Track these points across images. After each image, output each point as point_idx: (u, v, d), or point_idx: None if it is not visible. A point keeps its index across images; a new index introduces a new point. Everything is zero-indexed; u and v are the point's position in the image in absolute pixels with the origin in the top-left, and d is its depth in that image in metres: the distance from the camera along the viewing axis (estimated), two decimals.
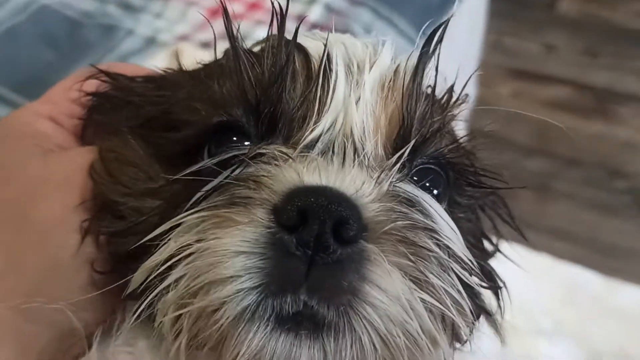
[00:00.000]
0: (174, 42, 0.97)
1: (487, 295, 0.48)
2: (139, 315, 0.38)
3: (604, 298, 1.40)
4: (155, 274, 0.38)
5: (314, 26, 0.51)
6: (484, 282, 0.45)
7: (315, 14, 1.05)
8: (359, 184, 0.38)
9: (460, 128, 0.47)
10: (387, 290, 0.36)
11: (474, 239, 0.49)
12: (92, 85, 0.50)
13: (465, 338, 0.42)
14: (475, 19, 1.42)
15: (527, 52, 2.08)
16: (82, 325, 0.42)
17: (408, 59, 0.44)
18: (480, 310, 0.46)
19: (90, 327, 0.43)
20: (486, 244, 0.52)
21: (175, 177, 0.40)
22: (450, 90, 0.45)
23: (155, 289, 0.38)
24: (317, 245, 0.35)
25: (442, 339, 0.38)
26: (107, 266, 0.43)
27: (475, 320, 0.43)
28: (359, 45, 0.45)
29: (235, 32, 0.43)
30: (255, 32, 0.99)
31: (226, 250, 0.36)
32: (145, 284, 0.39)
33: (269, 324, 0.36)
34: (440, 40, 0.43)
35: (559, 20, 2.16)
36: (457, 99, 0.45)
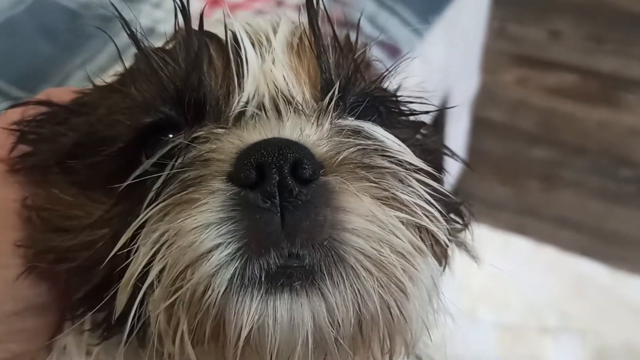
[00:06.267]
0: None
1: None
2: (129, 337, 0.38)
3: (612, 291, 1.39)
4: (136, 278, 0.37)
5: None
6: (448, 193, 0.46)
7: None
8: (301, 128, 0.39)
9: (380, 67, 0.50)
10: (361, 212, 0.36)
11: (431, 155, 0.50)
12: (17, 113, 0.48)
13: (446, 246, 0.43)
14: (479, 5, 1.40)
15: (531, 38, 2.06)
16: (8, 356, 0.41)
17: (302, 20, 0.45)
18: (455, 213, 0.48)
19: (22, 358, 0.42)
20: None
21: (120, 185, 0.40)
22: (349, 36, 0.47)
23: (138, 298, 0.37)
24: (281, 192, 0.35)
25: (426, 247, 0.39)
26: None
27: (450, 224, 0.44)
28: (261, 21, 0.47)
29: (139, 33, 0.44)
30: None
31: (197, 227, 0.35)
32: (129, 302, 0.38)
33: (262, 285, 0.35)
34: None
35: (564, 5, 2.14)
36: (357, 41, 0.47)
